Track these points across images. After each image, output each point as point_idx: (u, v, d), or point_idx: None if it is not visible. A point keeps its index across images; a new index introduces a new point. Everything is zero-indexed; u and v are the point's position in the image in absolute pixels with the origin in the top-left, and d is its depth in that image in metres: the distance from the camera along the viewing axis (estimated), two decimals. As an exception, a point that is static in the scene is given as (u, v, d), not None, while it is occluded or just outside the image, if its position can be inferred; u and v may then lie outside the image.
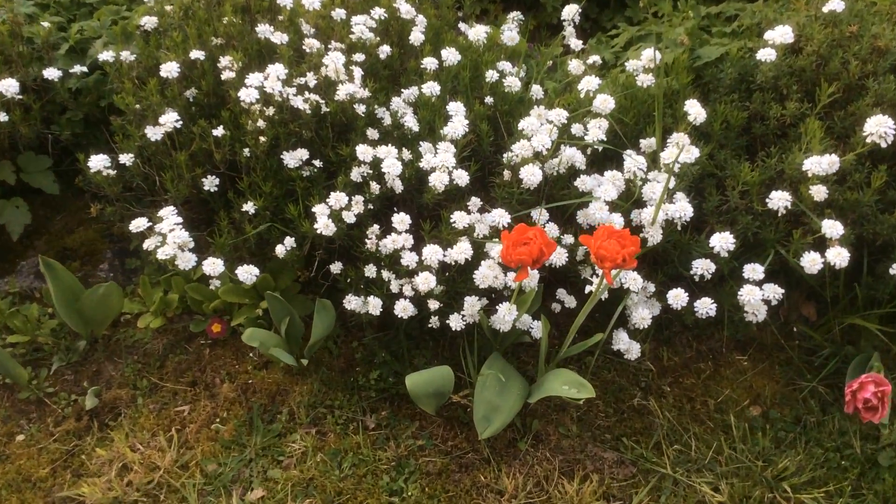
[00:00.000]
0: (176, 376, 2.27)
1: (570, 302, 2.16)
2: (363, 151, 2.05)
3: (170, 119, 2.11)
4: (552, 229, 2.08)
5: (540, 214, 2.09)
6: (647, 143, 2.20)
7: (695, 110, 2.09)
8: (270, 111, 2.09)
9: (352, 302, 2.09)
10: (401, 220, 2.03)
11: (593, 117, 2.18)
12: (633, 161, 2.07)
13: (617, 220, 2.06)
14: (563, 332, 2.29)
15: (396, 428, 2.13)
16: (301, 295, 2.35)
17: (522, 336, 2.13)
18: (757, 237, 2.14)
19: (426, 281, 1.97)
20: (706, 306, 2.02)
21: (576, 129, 2.18)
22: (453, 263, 1.99)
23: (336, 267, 2.14)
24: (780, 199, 2.01)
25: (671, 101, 2.34)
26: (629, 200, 2.14)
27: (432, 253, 1.97)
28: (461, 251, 1.98)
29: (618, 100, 2.25)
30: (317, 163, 2.13)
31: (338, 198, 2.03)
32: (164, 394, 2.23)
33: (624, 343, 2.10)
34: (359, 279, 2.12)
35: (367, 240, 2.06)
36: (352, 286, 2.14)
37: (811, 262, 1.95)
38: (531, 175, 2.04)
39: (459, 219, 2.02)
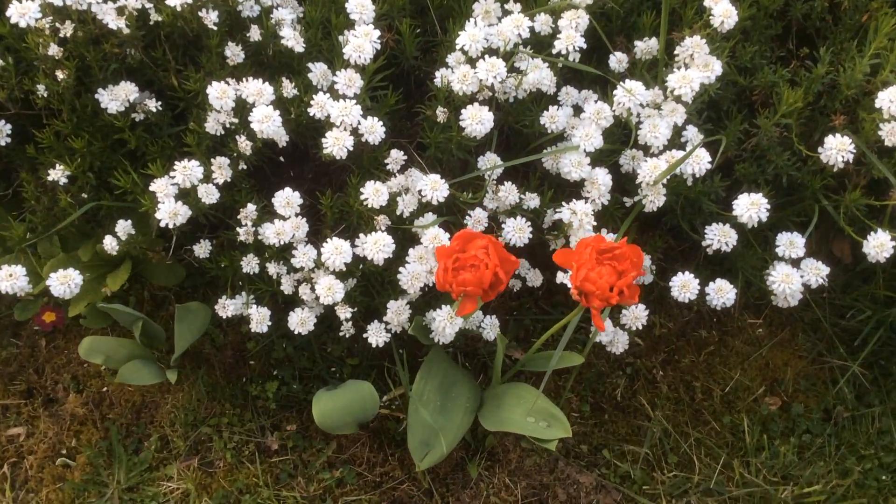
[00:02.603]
0: (4, 383, 1.67)
1: (535, 279, 1.57)
2: (218, 95, 1.33)
3: None
4: (510, 193, 1.44)
5: (490, 178, 1.44)
6: (645, 46, 1.49)
7: (721, 9, 1.38)
8: (68, 29, 1.33)
9: (228, 308, 1.47)
10: (286, 200, 1.36)
11: (566, 7, 1.46)
12: (627, 96, 1.38)
13: (602, 177, 1.42)
14: (523, 316, 1.72)
15: (307, 451, 1.61)
16: (169, 263, 1.70)
17: (470, 331, 1.56)
18: (793, 180, 1.53)
19: (329, 290, 1.36)
20: (723, 295, 1.45)
21: (540, 23, 1.46)
22: (369, 259, 1.37)
23: (202, 249, 1.49)
24: (837, 151, 1.38)
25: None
26: (618, 140, 1.49)
27: (336, 253, 1.34)
28: (378, 248, 1.34)
29: (600, -31, 1.52)
30: (152, 104, 1.40)
31: (186, 171, 1.34)
32: (-11, 410, 1.65)
33: (607, 333, 1.54)
34: (237, 268, 1.48)
35: (239, 228, 1.41)
36: (227, 276, 1.51)
37: (878, 246, 1.37)
38: (476, 122, 1.36)
39: (373, 194, 1.36)
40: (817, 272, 1.44)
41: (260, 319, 1.43)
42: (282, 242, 1.36)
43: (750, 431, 1.62)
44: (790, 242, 1.44)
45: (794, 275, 1.42)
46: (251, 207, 1.39)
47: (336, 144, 1.31)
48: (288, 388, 1.63)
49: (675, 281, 1.45)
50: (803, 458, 1.60)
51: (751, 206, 1.39)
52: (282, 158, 1.50)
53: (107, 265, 1.65)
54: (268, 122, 1.31)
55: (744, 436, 1.62)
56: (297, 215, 1.37)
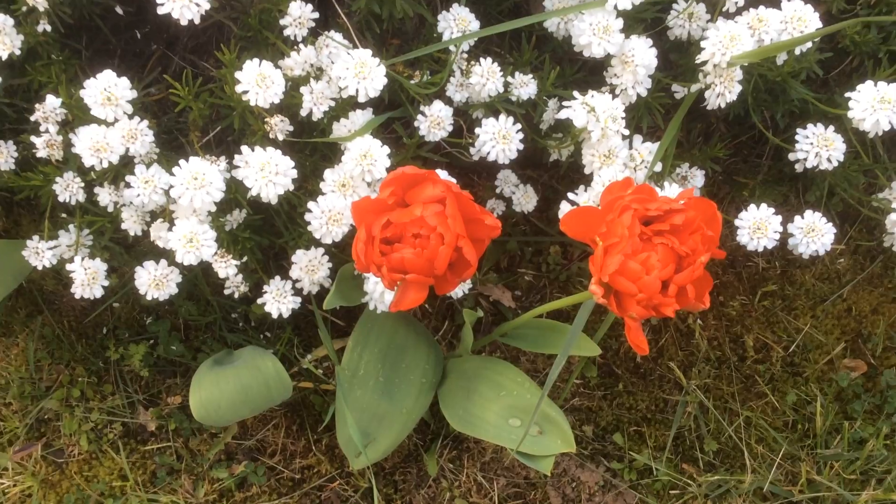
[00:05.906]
0: None
1: (526, 201, 1.04)
2: None
3: None
4: (489, 77, 0.88)
5: (459, 50, 0.87)
6: None
7: None
8: None
9: (43, 254, 0.93)
10: (105, 93, 0.80)
11: None
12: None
13: (642, 53, 0.86)
14: (507, 237, 1.19)
15: (196, 437, 1.14)
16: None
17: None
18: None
19: (192, 243, 0.83)
20: (817, 238, 0.94)
21: None
22: (255, 195, 0.83)
23: (2, 157, 0.94)
24: None
25: None
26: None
27: (195, 186, 0.80)
28: (268, 177, 0.80)
29: None
30: None
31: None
32: None
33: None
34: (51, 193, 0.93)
35: (36, 137, 0.85)
36: (45, 200, 0.96)
37: None
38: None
39: (257, 85, 0.80)
40: (966, 206, 0.93)
41: (88, 279, 0.90)
42: (105, 164, 0.82)
43: (823, 408, 1.15)
44: (931, 160, 0.92)
45: (933, 212, 0.90)
46: (52, 102, 0.82)
47: (180, 6, 0.73)
48: (165, 347, 1.14)
49: (746, 220, 0.92)
50: (893, 450, 1.14)
51: (880, 105, 0.85)
52: (119, 10, 0.92)
53: None
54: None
55: (812, 416, 1.15)
56: (130, 116, 0.82)
